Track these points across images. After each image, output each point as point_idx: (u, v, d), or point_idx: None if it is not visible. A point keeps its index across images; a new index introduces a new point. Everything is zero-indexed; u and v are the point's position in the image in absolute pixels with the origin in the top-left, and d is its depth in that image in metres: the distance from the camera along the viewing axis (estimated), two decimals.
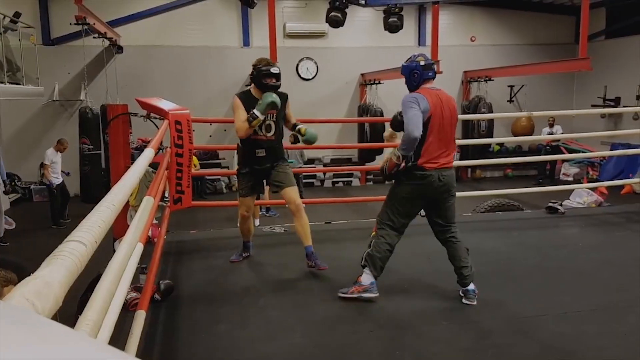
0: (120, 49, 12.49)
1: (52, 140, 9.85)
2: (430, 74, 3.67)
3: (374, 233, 3.75)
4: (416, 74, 3.65)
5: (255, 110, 4.02)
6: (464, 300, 3.62)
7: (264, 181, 4.50)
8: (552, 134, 12.65)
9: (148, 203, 2.48)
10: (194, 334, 3.20)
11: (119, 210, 1.48)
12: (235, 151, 4.55)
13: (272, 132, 4.22)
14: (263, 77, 4.11)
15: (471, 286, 3.64)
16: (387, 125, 4.35)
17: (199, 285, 4.02)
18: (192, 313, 3.49)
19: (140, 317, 2.68)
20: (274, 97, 4.06)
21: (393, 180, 3.76)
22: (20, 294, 0.80)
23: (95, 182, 9.80)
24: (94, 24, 9.89)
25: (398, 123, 3.76)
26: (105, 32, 10.81)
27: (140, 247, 2.37)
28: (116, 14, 12.70)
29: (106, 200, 1.44)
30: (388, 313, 3.49)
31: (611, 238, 5.28)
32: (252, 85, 4.24)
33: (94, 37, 10.58)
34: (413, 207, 3.75)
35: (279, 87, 4.18)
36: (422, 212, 5.88)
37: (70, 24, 9.64)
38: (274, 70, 4.11)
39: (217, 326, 3.29)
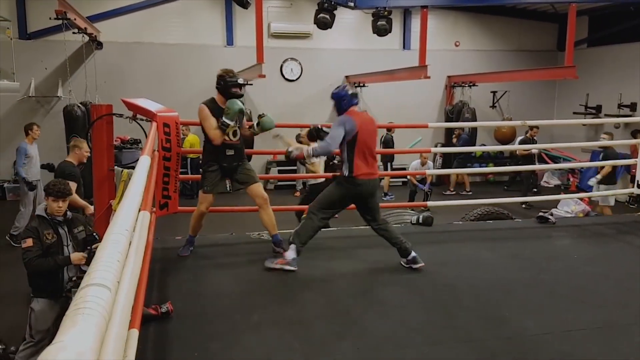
0: (100, 45, 12.15)
1: None
2: (355, 101, 4.41)
3: (304, 215, 4.47)
4: (345, 100, 4.38)
5: (225, 119, 4.43)
6: (414, 267, 4.41)
7: (227, 181, 4.76)
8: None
9: (145, 218, 2.30)
10: (186, 352, 3.03)
11: (131, 236, 1.31)
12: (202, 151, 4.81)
13: (238, 136, 4.64)
14: (231, 87, 4.52)
15: (413, 253, 4.45)
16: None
17: (188, 298, 3.84)
18: (182, 329, 3.31)
19: (133, 337, 2.49)
20: (239, 104, 4.46)
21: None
22: None
23: (88, 181, 9.37)
24: (75, 19, 9.59)
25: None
26: (85, 28, 10.49)
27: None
28: (96, 9, 12.37)
29: (117, 225, 1.27)
30: (388, 330, 3.36)
31: (604, 250, 5.25)
32: (217, 93, 4.61)
33: (73, 33, 10.25)
34: (341, 204, 4.55)
35: (242, 95, 4.63)
36: (414, 219, 5.79)
37: (50, 18, 9.32)
38: (240, 81, 4.55)
39: (210, 344, 3.13)
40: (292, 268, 4.31)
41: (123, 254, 1.10)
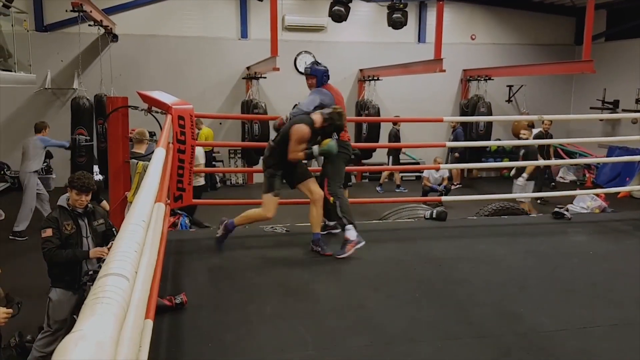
0: (115, 38, 12.22)
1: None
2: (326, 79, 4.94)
3: (332, 199, 4.60)
4: (325, 76, 4.91)
5: (314, 149, 4.53)
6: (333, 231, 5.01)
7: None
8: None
9: (160, 210, 2.31)
10: (200, 343, 3.04)
11: (147, 227, 1.31)
12: (267, 154, 4.63)
13: None
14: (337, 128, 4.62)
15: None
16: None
17: (201, 289, 3.85)
18: (196, 320, 3.33)
19: (148, 328, 2.51)
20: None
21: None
22: None
23: (90, 174, 9.44)
24: (91, 11, 9.63)
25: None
26: (101, 20, 10.55)
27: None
28: (112, 2, 12.46)
29: (134, 216, 1.27)
30: (402, 324, 3.34)
31: (620, 247, 5.18)
32: (321, 119, 4.52)
33: (89, 25, 10.32)
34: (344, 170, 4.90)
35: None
36: (427, 214, 5.75)
37: (67, 10, 9.38)
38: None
39: (223, 335, 3.13)
40: (362, 242, 4.48)
41: (140, 244, 1.10)
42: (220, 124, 13.42)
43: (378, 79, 13.53)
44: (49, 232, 4.16)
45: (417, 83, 13.51)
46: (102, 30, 11.20)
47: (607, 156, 12.90)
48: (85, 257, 4.23)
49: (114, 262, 0.97)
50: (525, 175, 8.65)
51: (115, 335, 0.76)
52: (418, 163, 13.74)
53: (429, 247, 5.05)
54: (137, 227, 1.17)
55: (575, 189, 11.51)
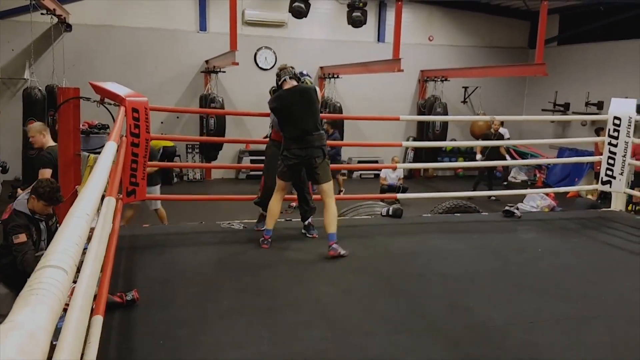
0: (69, 27, 11.86)
1: None
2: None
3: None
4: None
5: None
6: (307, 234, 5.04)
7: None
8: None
9: (110, 204, 2.25)
10: (152, 339, 2.99)
11: (92, 220, 1.28)
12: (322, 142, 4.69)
13: None
14: None
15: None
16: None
17: (155, 285, 3.79)
18: (149, 317, 3.27)
19: (97, 324, 2.45)
20: None
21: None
22: (2, 355, 0.62)
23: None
24: None
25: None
26: (55, 9, 10.21)
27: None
28: None
29: (77, 209, 1.24)
30: (357, 318, 3.38)
31: (568, 244, 5.36)
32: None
33: (41, 14, 9.99)
34: None
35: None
36: (384, 211, 5.79)
37: None
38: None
39: (177, 332, 3.09)
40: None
41: (82, 237, 1.07)
42: (178, 117, 13.22)
43: (338, 77, 13.58)
44: (22, 237, 3.98)
45: (376, 82, 13.62)
46: (55, 20, 10.85)
47: (557, 157, 13.33)
48: None
49: (52, 255, 0.94)
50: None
51: (50, 326, 0.74)
52: None
53: (385, 243, 5.10)
54: (80, 220, 1.14)
55: (527, 189, 11.82)
